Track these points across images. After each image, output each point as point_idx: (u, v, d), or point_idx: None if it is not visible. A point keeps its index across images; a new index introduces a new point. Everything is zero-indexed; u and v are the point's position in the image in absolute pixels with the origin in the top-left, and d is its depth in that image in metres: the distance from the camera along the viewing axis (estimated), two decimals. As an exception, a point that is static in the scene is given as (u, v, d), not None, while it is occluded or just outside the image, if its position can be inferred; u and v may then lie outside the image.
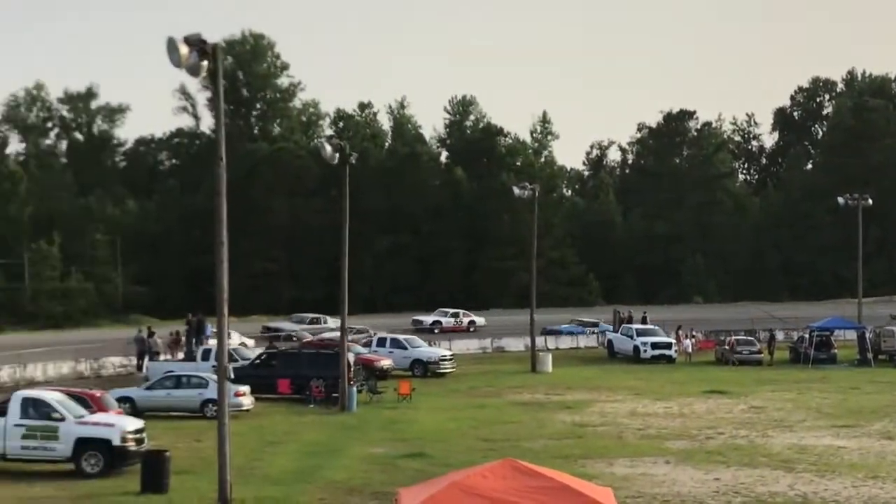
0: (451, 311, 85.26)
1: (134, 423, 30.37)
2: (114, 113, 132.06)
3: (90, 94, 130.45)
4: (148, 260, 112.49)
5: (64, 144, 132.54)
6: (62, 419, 28.91)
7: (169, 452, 27.23)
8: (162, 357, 57.02)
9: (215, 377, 36.65)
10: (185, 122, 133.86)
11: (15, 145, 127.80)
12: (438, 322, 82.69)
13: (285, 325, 78.43)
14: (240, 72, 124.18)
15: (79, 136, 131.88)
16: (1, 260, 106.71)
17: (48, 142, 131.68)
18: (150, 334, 58.52)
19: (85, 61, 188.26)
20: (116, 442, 28.76)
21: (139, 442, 29.33)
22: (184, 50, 22.08)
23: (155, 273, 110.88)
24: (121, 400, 38.58)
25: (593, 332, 78.29)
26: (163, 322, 78.73)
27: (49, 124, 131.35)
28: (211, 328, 56.95)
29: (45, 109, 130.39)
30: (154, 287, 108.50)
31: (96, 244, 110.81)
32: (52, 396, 30.52)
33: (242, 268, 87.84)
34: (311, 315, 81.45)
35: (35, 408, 29.32)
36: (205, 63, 22.58)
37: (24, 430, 28.80)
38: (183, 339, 60.20)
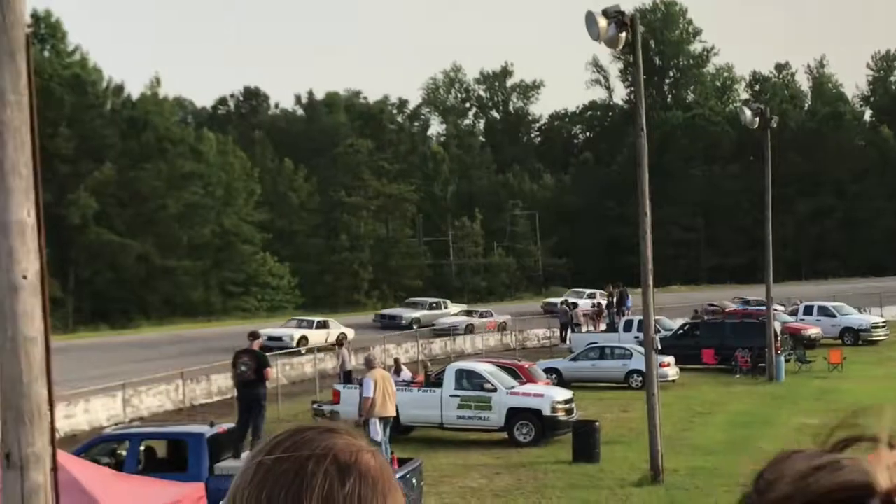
0: (588, 291, 75.62)
1: (563, 394, 30.92)
2: (528, 90, 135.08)
3: (505, 72, 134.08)
4: (565, 233, 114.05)
5: (482, 123, 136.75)
6: (494, 390, 29.84)
7: (598, 422, 27.46)
8: (584, 329, 57.80)
9: (639, 348, 36.88)
10: (598, 94, 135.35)
11: (436, 127, 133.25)
12: (574, 304, 70.44)
13: (401, 311, 70.69)
14: (652, 40, 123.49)
15: (495, 114, 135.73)
16: (428, 238, 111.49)
17: (467, 122, 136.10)
18: (573, 306, 59.44)
19: (499, 41, 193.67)
20: (547, 412, 29.36)
21: (568, 412, 29.81)
22: (602, 23, 22.14)
23: (572, 245, 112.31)
24: (548, 371, 39.38)
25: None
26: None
27: (467, 105, 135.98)
28: (630, 299, 57.26)
29: (463, 91, 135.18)
30: (572, 259, 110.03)
31: (515, 220, 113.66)
32: (484, 368, 31.60)
33: (661, 237, 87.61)
34: (430, 300, 74.74)
35: (468, 379, 30.48)
36: (623, 35, 22.55)
37: (458, 401, 29.97)
38: (605, 310, 60.81)
